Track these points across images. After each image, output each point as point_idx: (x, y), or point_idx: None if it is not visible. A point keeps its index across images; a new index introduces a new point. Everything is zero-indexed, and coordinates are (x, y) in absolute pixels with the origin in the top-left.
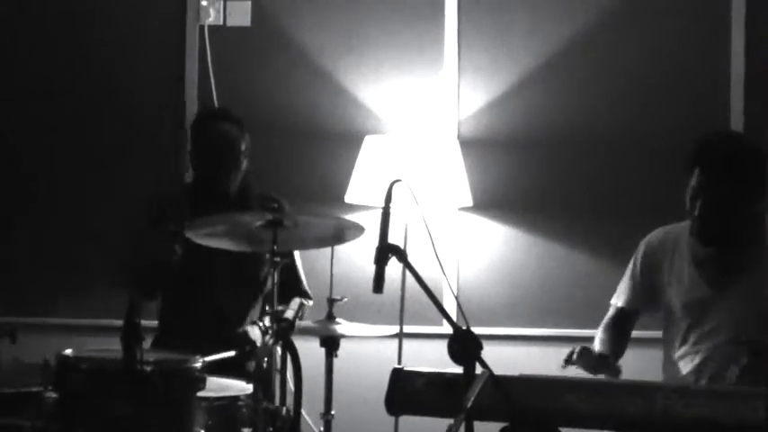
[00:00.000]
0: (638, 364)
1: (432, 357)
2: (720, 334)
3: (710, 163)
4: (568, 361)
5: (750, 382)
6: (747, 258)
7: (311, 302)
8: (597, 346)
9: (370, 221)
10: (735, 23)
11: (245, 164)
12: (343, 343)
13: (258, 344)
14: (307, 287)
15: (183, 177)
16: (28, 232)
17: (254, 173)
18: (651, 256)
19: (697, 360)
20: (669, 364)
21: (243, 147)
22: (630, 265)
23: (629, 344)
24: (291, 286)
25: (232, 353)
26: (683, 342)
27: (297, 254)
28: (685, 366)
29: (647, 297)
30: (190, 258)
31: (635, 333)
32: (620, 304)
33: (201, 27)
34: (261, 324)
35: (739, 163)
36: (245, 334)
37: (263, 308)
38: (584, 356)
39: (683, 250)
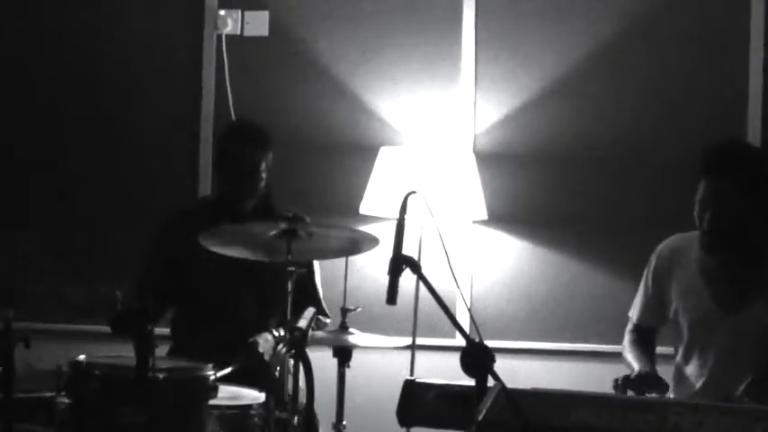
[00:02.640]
0: None
1: (444, 369)
2: (727, 354)
3: (718, 173)
4: (625, 387)
5: (754, 401)
6: (759, 277)
7: (329, 321)
8: (636, 364)
9: (384, 233)
10: (753, 40)
11: (264, 180)
12: (355, 354)
13: (267, 356)
14: (324, 306)
15: (197, 190)
16: (43, 238)
17: (272, 184)
18: (661, 268)
19: (704, 378)
20: (680, 379)
21: (263, 166)
22: (644, 277)
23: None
24: (308, 298)
25: (229, 369)
26: (689, 359)
27: (317, 272)
28: (696, 383)
29: (658, 310)
30: (211, 274)
31: None
32: (635, 319)
33: (219, 37)
34: (275, 332)
35: (748, 172)
36: (254, 345)
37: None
38: (639, 381)
39: (693, 264)
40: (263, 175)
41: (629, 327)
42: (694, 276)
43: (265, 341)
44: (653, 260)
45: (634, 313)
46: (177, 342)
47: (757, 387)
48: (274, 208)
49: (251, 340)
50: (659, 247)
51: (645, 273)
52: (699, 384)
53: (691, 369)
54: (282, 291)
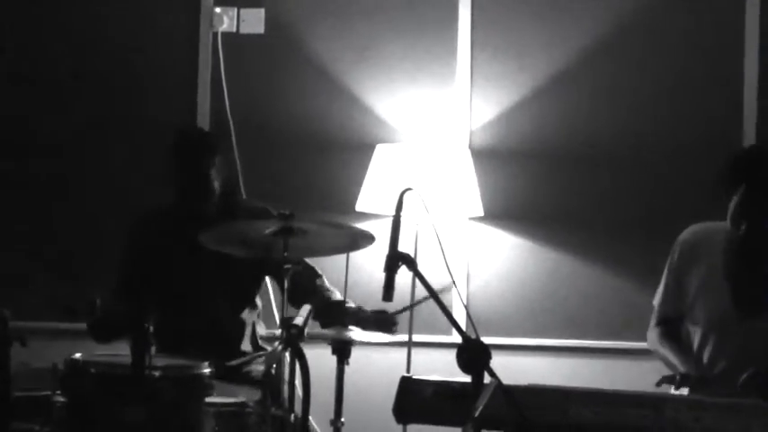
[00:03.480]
0: (631, 376)
1: (441, 366)
2: (738, 355)
3: (760, 180)
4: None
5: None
6: None
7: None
8: (682, 366)
9: (380, 230)
10: (748, 39)
11: (219, 180)
12: (353, 350)
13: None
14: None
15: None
16: (38, 239)
17: (263, 180)
18: (687, 256)
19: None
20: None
21: (213, 171)
22: (667, 265)
23: (628, 356)
24: (310, 282)
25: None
26: (701, 353)
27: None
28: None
29: (680, 300)
30: (183, 271)
31: (632, 344)
32: (657, 306)
33: (215, 34)
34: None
35: None
36: (248, 375)
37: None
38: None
39: (717, 258)
40: (214, 180)
41: (654, 319)
42: (717, 273)
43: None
44: (677, 247)
45: (657, 300)
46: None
47: (757, 380)
48: (240, 204)
49: (244, 371)
50: (684, 235)
51: (669, 260)
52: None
53: (705, 361)
54: (256, 285)
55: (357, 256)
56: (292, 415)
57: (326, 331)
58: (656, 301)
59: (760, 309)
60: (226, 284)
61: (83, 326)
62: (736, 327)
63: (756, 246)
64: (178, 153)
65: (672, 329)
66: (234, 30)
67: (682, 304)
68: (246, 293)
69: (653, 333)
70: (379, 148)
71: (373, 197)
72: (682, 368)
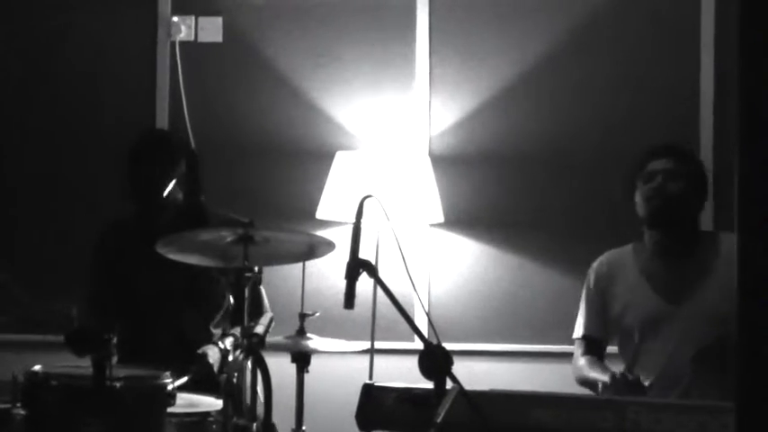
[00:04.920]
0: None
1: (403, 373)
2: (673, 350)
3: (660, 155)
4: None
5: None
6: (697, 270)
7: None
8: (604, 375)
9: (341, 237)
10: (704, 39)
11: (177, 192)
12: (313, 358)
13: (215, 368)
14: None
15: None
16: None
17: (222, 188)
18: (603, 279)
19: (656, 373)
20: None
21: (172, 181)
22: (584, 295)
23: None
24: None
25: (185, 378)
26: (638, 357)
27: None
28: (647, 379)
29: (605, 322)
30: (148, 283)
31: None
32: (581, 332)
33: (173, 43)
34: (221, 345)
35: (684, 152)
36: (204, 356)
37: (225, 326)
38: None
39: (633, 268)
40: (173, 188)
41: (578, 349)
42: (636, 278)
43: (214, 353)
44: (591, 274)
45: (579, 330)
46: (119, 352)
47: (703, 357)
48: (207, 212)
49: (200, 351)
50: (595, 264)
51: (584, 288)
52: (650, 380)
53: (641, 367)
54: (221, 297)
55: (317, 264)
56: (254, 424)
57: (285, 340)
58: (578, 332)
59: (686, 294)
60: (192, 296)
61: (41, 338)
62: (669, 317)
63: (664, 210)
64: (134, 162)
65: (596, 355)
66: (192, 38)
67: (607, 323)
68: (216, 304)
69: (579, 362)
70: (338, 155)
71: (333, 204)
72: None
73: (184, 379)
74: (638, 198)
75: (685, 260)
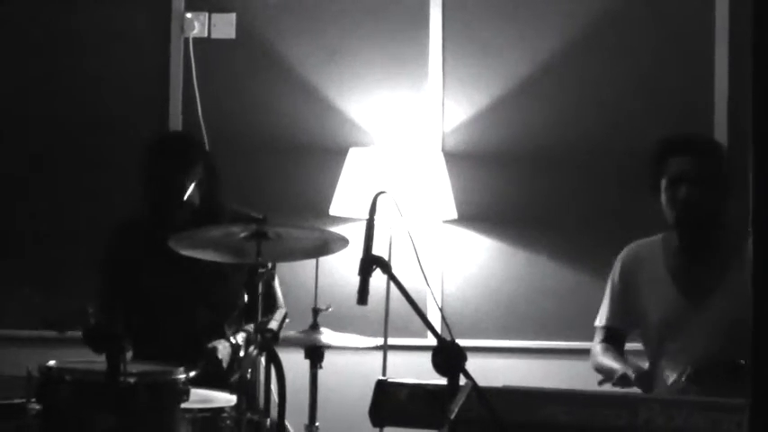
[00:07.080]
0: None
1: (416, 369)
2: (696, 349)
3: (686, 152)
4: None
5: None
6: (723, 270)
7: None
8: (617, 364)
9: (354, 234)
10: (718, 37)
11: (195, 194)
12: (327, 354)
13: (225, 363)
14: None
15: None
16: (9, 245)
17: (236, 185)
18: (628, 271)
19: (675, 375)
20: (657, 376)
21: (189, 181)
22: (609, 284)
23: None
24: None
25: (194, 372)
26: (660, 357)
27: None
28: (669, 379)
29: (628, 314)
30: (161, 282)
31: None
32: (603, 322)
33: (186, 40)
34: (233, 340)
35: (717, 149)
36: (213, 351)
37: (239, 324)
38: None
39: (659, 263)
40: (188, 188)
41: (598, 336)
42: (661, 273)
43: (224, 347)
44: (618, 264)
45: (602, 319)
46: (133, 350)
47: (699, 375)
48: (225, 210)
49: (210, 346)
50: (622, 254)
51: (610, 278)
52: (672, 380)
53: (663, 366)
54: (234, 296)
55: (331, 260)
56: (268, 419)
57: (299, 335)
58: (600, 321)
59: (706, 294)
60: (205, 295)
61: (56, 333)
62: (689, 318)
63: (694, 212)
64: (153, 162)
65: (614, 345)
66: (205, 35)
67: (631, 315)
68: (230, 303)
69: (596, 348)
70: (352, 151)
71: (347, 201)
72: (621, 371)
73: (193, 373)
74: (663, 200)
75: (710, 259)
